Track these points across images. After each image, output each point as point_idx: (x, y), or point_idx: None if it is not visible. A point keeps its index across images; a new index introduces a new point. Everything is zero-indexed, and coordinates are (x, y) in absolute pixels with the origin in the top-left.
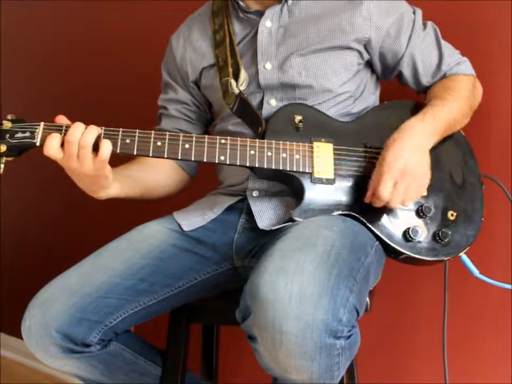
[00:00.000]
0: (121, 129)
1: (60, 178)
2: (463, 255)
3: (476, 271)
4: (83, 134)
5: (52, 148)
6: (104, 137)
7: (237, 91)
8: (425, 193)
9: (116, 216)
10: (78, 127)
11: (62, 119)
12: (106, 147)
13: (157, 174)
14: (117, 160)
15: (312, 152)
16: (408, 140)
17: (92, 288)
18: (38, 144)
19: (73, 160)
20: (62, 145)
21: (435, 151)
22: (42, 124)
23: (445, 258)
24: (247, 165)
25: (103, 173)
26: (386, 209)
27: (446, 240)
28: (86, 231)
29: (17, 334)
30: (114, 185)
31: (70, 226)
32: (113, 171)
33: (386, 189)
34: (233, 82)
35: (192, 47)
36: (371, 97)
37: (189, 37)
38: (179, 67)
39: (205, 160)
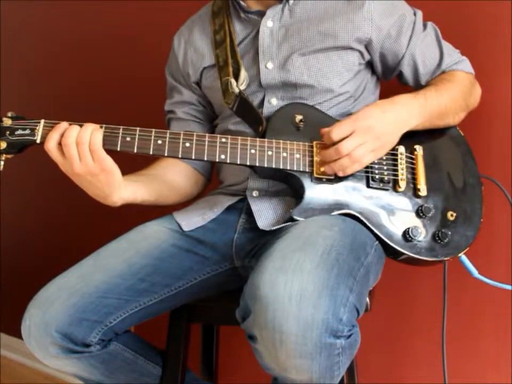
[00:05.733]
0: (121, 127)
1: (60, 178)
2: (462, 256)
3: (475, 272)
4: (79, 132)
5: (52, 142)
6: (104, 135)
7: (237, 90)
8: (425, 193)
9: (116, 216)
10: (73, 128)
11: None
12: (96, 136)
13: (171, 177)
14: (127, 168)
15: (312, 151)
16: (391, 110)
17: (92, 288)
18: (38, 141)
19: (75, 162)
20: (60, 144)
21: (435, 152)
22: (42, 121)
23: (445, 259)
24: (248, 163)
25: (107, 166)
26: (384, 208)
27: (445, 241)
28: (86, 231)
29: (17, 334)
30: (126, 189)
31: (70, 226)
32: (127, 178)
33: (341, 130)
34: (233, 81)
35: (193, 48)
36: (371, 98)
37: (189, 38)
38: (181, 68)
39: (205, 158)
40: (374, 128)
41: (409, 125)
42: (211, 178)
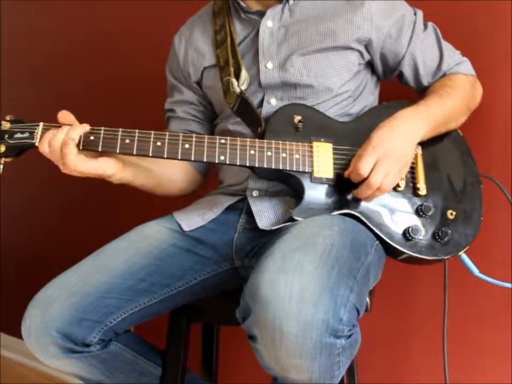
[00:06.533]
0: (120, 129)
1: (60, 178)
2: (462, 254)
3: (475, 270)
4: (67, 132)
5: (43, 146)
6: (103, 138)
7: (238, 90)
8: (424, 193)
9: (116, 216)
10: (62, 130)
11: (65, 115)
12: (68, 149)
13: (171, 169)
14: None
15: (311, 152)
16: (398, 126)
17: (92, 288)
18: (37, 144)
19: (58, 163)
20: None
21: (434, 151)
22: (41, 124)
23: (445, 257)
24: (247, 164)
25: (89, 173)
26: (384, 207)
27: (445, 239)
28: (86, 231)
29: (17, 334)
30: (127, 171)
31: (70, 226)
32: (127, 158)
33: (367, 164)
34: (234, 81)
35: (193, 48)
36: (370, 98)
37: (190, 38)
38: (182, 68)
39: (204, 160)
40: (393, 150)
41: (418, 136)
42: (207, 176)
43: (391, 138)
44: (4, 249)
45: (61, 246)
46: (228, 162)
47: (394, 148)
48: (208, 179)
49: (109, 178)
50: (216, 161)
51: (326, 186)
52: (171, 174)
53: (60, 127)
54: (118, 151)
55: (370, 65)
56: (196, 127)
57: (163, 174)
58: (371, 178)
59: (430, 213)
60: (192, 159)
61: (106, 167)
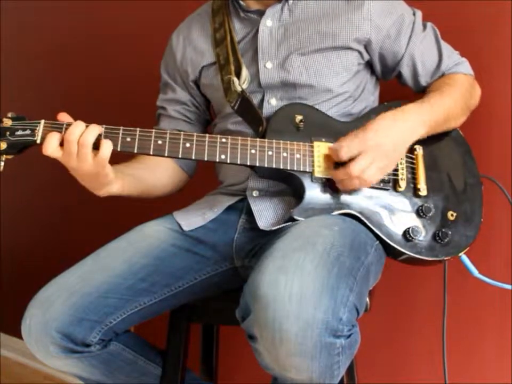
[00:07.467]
0: (121, 127)
1: (60, 178)
2: (462, 255)
3: (475, 271)
4: (83, 132)
5: (51, 147)
6: (104, 136)
7: (239, 89)
8: (425, 193)
9: (116, 216)
10: (78, 125)
11: (64, 117)
12: (107, 147)
13: (157, 174)
14: (117, 157)
15: (312, 151)
16: (400, 120)
17: (92, 288)
18: (38, 141)
19: (72, 158)
20: (62, 144)
21: (435, 152)
22: (43, 121)
23: (445, 258)
24: (248, 164)
25: (103, 172)
26: (385, 207)
27: (446, 240)
28: (86, 231)
29: (17, 334)
30: (116, 183)
31: (70, 226)
32: (115, 169)
33: (349, 152)
34: (235, 80)
35: (192, 46)
36: (370, 98)
37: (188, 36)
38: (179, 66)
39: (205, 159)
40: (382, 146)
41: (417, 134)
42: (193, 175)
43: (386, 134)
44: (4, 249)
45: (61, 245)
46: (228, 161)
47: (384, 144)
48: (208, 179)
49: (105, 185)
50: (217, 160)
51: (326, 186)
52: (158, 178)
53: (61, 125)
54: (119, 149)
55: (369, 65)
56: (186, 128)
57: (149, 180)
58: (350, 165)
59: (430, 214)
60: (193, 158)
61: (110, 173)
